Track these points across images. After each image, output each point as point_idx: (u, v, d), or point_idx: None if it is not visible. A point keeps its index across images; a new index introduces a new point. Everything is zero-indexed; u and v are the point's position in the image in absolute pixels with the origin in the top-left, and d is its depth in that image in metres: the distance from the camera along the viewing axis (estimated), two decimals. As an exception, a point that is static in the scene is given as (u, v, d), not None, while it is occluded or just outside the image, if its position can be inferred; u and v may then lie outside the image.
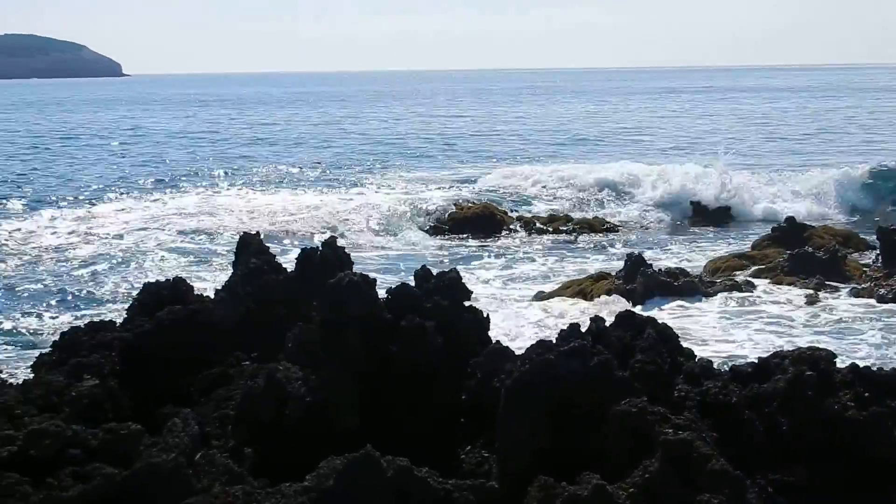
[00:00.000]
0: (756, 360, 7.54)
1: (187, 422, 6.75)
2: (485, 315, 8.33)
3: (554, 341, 7.19)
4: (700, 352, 8.74)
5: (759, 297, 17.96)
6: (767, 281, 19.16)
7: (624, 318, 7.87)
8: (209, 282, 18.52)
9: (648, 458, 6.12)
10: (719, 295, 17.77)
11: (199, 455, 6.61)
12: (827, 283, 18.63)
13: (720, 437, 6.65)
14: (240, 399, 7.59)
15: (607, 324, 7.74)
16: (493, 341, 8.11)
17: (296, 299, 9.09)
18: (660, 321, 7.96)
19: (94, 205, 32.72)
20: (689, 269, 19.66)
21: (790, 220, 23.03)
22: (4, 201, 33.96)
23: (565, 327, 7.47)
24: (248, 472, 6.66)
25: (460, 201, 31.30)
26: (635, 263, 18.47)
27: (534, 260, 23.83)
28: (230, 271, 10.31)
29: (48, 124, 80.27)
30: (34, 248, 24.72)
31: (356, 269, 8.87)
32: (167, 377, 8.56)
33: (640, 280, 17.87)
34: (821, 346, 8.01)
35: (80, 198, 34.84)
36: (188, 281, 9.94)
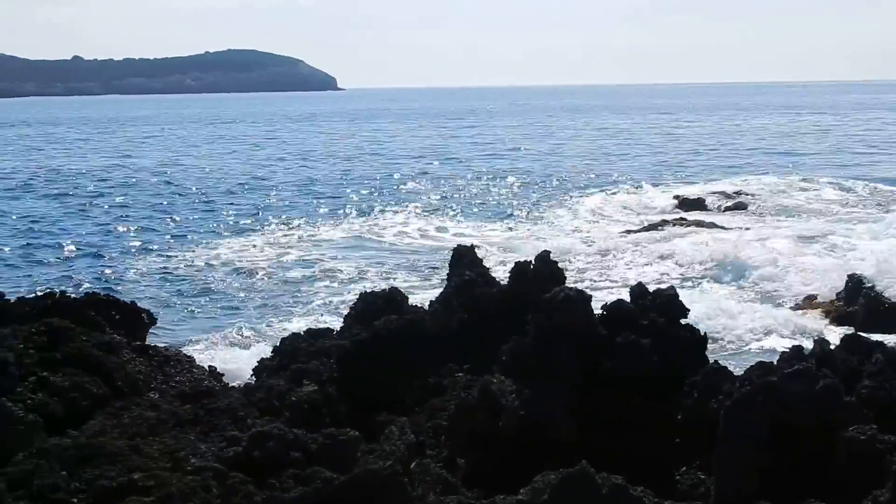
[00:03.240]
0: None
1: (403, 430, 6.84)
2: (702, 334, 8.14)
3: (775, 363, 6.98)
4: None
5: None
6: None
7: (850, 340, 7.56)
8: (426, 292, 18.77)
9: (879, 488, 5.84)
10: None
11: (413, 463, 6.69)
12: None
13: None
14: (454, 410, 7.63)
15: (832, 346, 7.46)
16: (711, 361, 7.91)
17: (509, 312, 9.09)
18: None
19: (326, 220, 33.36)
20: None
21: None
22: (271, 216, 34.90)
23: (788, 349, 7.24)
24: (461, 483, 6.70)
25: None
26: (856, 285, 17.67)
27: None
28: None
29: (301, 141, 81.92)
30: (257, 259, 25.59)
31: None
32: (382, 385, 8.70)
33: (861, 302, 17.09)
34: None
35: (320, 213, 35.52)
36: (403, 291, 10.11)
